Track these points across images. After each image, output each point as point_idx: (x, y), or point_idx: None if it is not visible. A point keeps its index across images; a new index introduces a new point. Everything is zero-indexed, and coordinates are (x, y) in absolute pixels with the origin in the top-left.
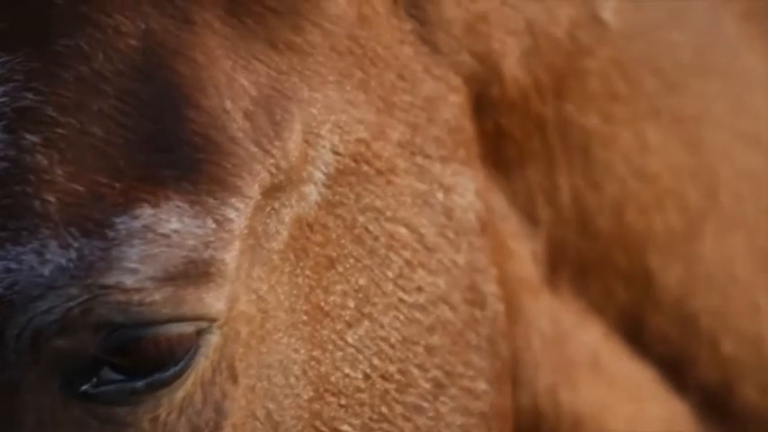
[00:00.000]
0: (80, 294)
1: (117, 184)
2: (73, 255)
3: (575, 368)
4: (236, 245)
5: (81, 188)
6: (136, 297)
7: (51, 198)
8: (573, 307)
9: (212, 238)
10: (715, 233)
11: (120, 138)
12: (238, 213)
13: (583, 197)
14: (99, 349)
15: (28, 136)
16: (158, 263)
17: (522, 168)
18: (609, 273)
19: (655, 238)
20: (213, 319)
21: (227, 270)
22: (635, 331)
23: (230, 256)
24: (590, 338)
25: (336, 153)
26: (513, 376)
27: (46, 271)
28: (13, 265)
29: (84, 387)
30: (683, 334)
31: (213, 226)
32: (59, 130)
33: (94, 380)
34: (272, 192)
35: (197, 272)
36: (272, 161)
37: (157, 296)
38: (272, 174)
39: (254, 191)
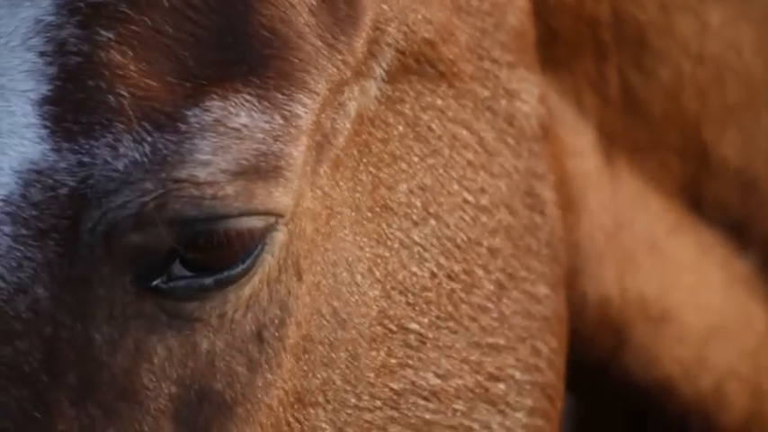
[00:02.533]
0: (154, 189)
1: (187, 84)
2: (146, 149)
3: (635, 254)
4: (304, 140)
5: (153, 84)
6: (209, 191)
7: (125, 93)
8: (631, 188)
9: (280, 133)
10: None
11: (191, 35)
12: (306, 109)
13: (633, 85)
14: (173, 243)
15: (102, 32)
16: (230, 155)
17: (570, 64)
18: (664, 150)
19: (711, 113)
20: (281, 215)
21: (296, 165)
22: (695, 200)
23: (298, 151)
24: (648, 222)
25: (400, 51)
26: (577, 269)
27: (120, 165)
28: (86, 159)
29: (155, 282)
30: (744, 198)
31: (281, 121)
32: (133, 27)
33: (165, 276)
34: (339, 87)
35: (267, 166)
36: (339, 57)
37: (229, 190)
38: (339, 69)
39: (321, 87)
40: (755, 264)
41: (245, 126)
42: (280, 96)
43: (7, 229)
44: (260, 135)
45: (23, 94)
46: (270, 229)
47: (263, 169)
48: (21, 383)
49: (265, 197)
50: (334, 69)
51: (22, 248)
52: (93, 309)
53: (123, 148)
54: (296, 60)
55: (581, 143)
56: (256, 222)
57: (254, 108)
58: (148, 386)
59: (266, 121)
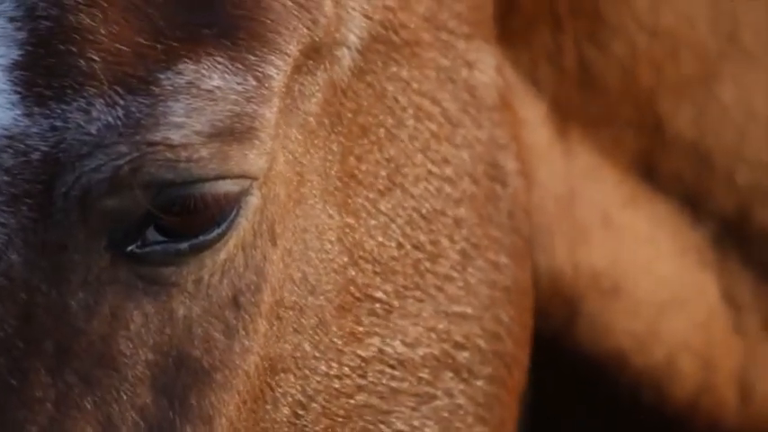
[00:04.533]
0: (129, 152)
1: (158, 45)
2: (120, 112)
3: (588, 226)
4: (276, 102)
5: (124, 48)
6: (183, 153)
7: (95, 57)
8: (585, 160)
9: (254, 94)
10: (734, 72)
11: None
12: (278, 70)
13: (588, 58)
14: (149, 207)
15: None
16: (204, 117)
17: (527, 36)
18: (618, 123)
19: (666, 86)
20: (255, 177)
21: (269, 126)
22: (649, 173)
23: (271, 113)
24: (602, 195)
25: (367, 17)
26: (531, 242)
27: (93, 129)
28: (58, 123)
29: (130, 247)
30: (697, 171)
31: (254, 83)
32: None
33: (140, 241)
34: (310, 51)
35: (241, 127)
36: (308, 16)
37: (204, 152)
38: (309, 30)
39: (292, 48)
40: (709, 235)
41: (218, 88)
42: (252, 58)
43: None
44: (233, 96)
45: None
46: (244, 193)
47: (237, 131)
48: None
49: (240, 159)
50: (305, 30)
51: None
52: (69, 274)
53: (96, 111)
54: (267, 21)
55: (533, 115)
56: (231, 186)
57: (227, 70)
58: (125, 353)
59: (239, 83)
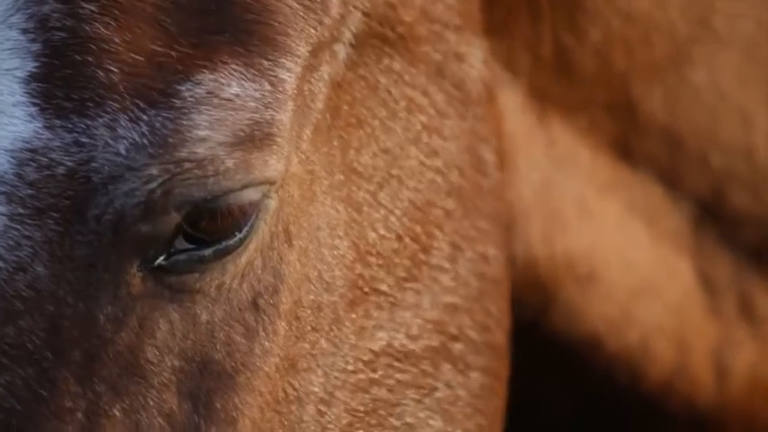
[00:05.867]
0: (159, 174)
1: (173, 53)
2: (144, 128)
3: (565, 213)
4: (290, 105)
5: (140, 58)
6: (210, 168)
7: (113, 68)
8: (565, 147)
9: (270, 100)
10: (704, 55)
11: (171, 2)
12: (290, 73)
13: (565, 45)
14: (181, 223)
15: (84, 4)
16: (226, 127)
17: (507, 25)
18: (594, 108)
19: (639, 70)
20: (274, 182)
21: (285, 130)
22: (624, 158)
23: (286, 117)
24: (579, 181)
25: (366, 14)
26: (508, 228)
27: (122, 149)
28: (84, 139)
29: (158, 261)
30: (671, 155)
31: (269, 88)
32: None
33: (166, 253)
34: (316, 51)
35: (261, 134)
36: (314, 17)
37: (230, 163)
38: (316, 30)
39: (301, 49)
40: (685, 219)
41: (237, 96)
42: (265, 63)
43: (3, 208)
44: (252, 104)
45: (8, 72)
46: (264, 197)
47: (257, 138)
48: (25, 362)
49: (262, 166)
50: (312, 30)
51: (19, 227)
52: (98, 291)
53: (121, 129)
54: (276, 24)
55: (512, 103)
56: (254, 194)
57: (243, 77)
58: (152, 360)
59: (256, 89)
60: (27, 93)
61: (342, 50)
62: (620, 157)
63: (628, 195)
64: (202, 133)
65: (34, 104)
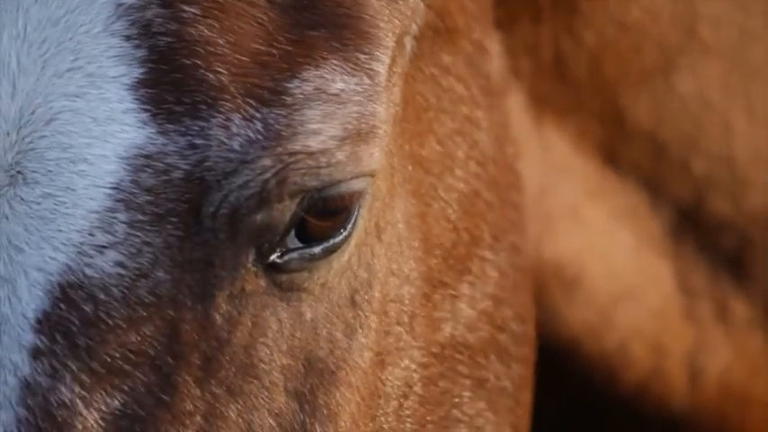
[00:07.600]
0: (273, 165)
1: (274, 51)
2: (259, 126)
3: (555, 218)
4: (384, 96)
5: (245, 58)
6: (323, 159)
7: (222, 69)
8: (559, 151)
9: (371, 93)
10: (690, 64)
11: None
12: (382, 65)
13: (563, 49)
14: (301, 213)
15: (186, 8)
16: (336, 121)
17: (510, 27)
18: (584, 113)
19: (628, 78)
20: (374, 175)
21: (384, 122)
22: (610, 162)
23: (383, 109)
24: (571, 186)
25: (428, 6)
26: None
27: (236, 145)
28: (198, 141)
29: (272, 258)
30: (655, 162)
31: (368, 81)
32: None
33: (280, 251)
34: (398, 43)
35: (366, 127)
36: (397, 8)
37: (340, 156)
38: (400, 21)
39: (389, 41)
40: (666, 224)
41: (342, 91)
42: (362, 56)
43: (122, 216)
44: (356, 98)
45: (115, 79)
46: (368, 187)
47: (363, 131)
48: (148, 368)
49: (368, 158)
50: (397, 21)
51: (139, 234)
52: (215, 290)
53: (236, 127)
54: (367, 17)
55: (515, 105)
56: (361, 184)
57: (344, 72)
58: (264, 360)
59: (357, 83)
60: (136, 99)
61: (408, 43)
62: (606, 163)
63: (614, 201)
64: (315, 127)
65: (145, 110)
